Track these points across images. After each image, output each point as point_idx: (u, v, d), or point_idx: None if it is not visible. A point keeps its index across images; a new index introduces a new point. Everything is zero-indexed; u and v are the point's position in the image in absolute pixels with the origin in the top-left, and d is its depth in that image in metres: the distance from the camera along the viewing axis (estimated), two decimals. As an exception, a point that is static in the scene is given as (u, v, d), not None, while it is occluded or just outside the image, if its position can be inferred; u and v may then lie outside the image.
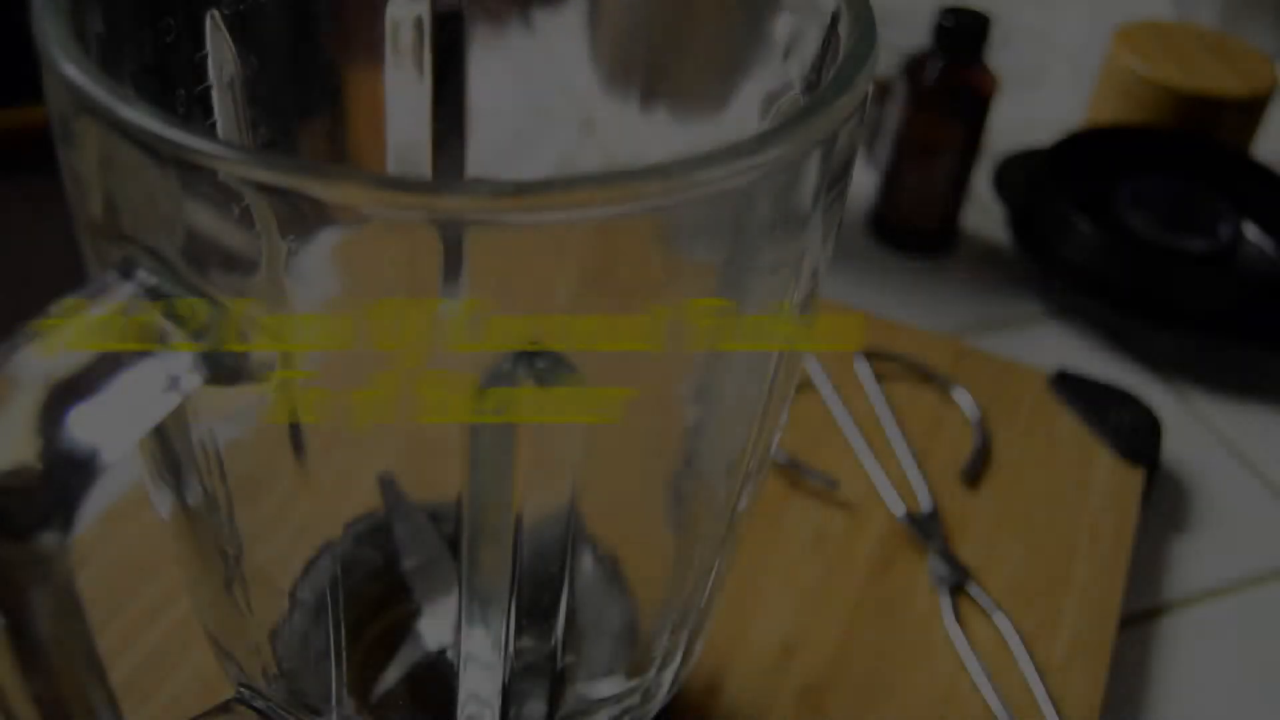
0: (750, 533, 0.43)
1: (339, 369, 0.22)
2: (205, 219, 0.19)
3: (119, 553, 0.39)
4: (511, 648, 0.27)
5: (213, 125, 0.28)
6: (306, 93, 0.31)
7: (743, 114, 0.29)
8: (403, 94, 0.33)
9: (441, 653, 0.28)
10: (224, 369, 0.20)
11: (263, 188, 0.18)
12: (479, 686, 0.28)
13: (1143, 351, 0.58)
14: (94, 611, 0.37)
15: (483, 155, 0.34)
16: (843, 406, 0.49)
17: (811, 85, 0.27)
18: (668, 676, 0.32)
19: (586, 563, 0.30)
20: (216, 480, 0.25)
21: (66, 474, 0.17)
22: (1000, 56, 0.78)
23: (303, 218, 0.19)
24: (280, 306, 0.20)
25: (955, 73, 0.58)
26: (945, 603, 0.41)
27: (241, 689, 0.30)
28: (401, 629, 0.31)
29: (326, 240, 0.19)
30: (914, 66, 0.59)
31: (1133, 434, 0.49)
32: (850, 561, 0.43)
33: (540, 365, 0.21)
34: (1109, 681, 0.41)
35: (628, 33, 0.32)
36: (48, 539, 0.17)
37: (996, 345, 0.57)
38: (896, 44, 0.69)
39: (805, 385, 0.50)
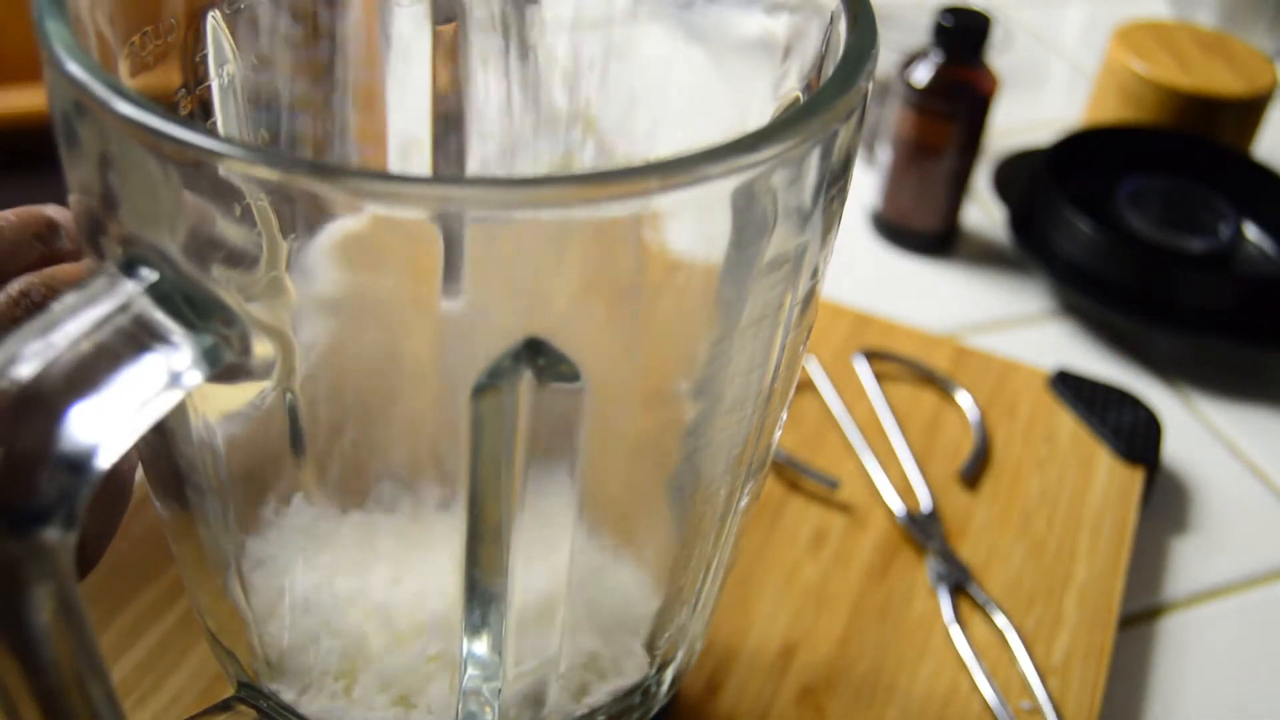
0: (750, 533, 0.43)
1: (339, 366, 0.22)
2: (207, 216, 0.19)
3: (119, 553, 0.39)
4: (512, 647, 0.27)
5: (214, 125, 0.28)
6: (306, 93, 0.31)
7: (743, 112, 0.29)
8: (403, 94, 0.33)
9: (442, 651, 0.28)
10: (225, 366, 0.20)
11: (264, 184, 0.18)
12: (479, 686, 0.28)
13: (1143, 351, 0.58)
14: (94, 611, 0.37)
15: (483, 155, 0.34)
16: (843, 406, 0.49)
17: (811, 85, 0.27)
18: (668, 676, 0.32)
19: (587, 562, 0.30)
20: (216, 479, 0.25)
21: (68, 470, 0.17)
22: (1000, 56, 0.79)
23: (304, 215, 0.19)
24: (281, 303, 0.20)
25: (955, 73, 0.58)
26: (945, 602, 0.41)
27: (241, 689, 0.30)
28: (402, 628, 0.31)
29: (327, 237, 0.19)
30: (914, 66, 0.59)
31: (1133, 434, 0.49)
32: (850, 561, 0.43)
33: (540, 362, 0.21)
34: (1109, 681, 0.41)
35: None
36: (49, 534, 0.17)
37: (996, 345, 0.57)
38: (896, 44, 0.69)
39: (805, 385, 0.50)
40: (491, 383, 0.21)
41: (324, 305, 0.21)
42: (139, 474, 0.28)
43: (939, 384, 0.51)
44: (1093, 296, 0.58)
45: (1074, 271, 0.59)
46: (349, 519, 0.29)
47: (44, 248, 0.26)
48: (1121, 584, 0.43)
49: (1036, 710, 0.38)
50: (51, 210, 0.25)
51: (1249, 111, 0.66)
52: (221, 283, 0.20)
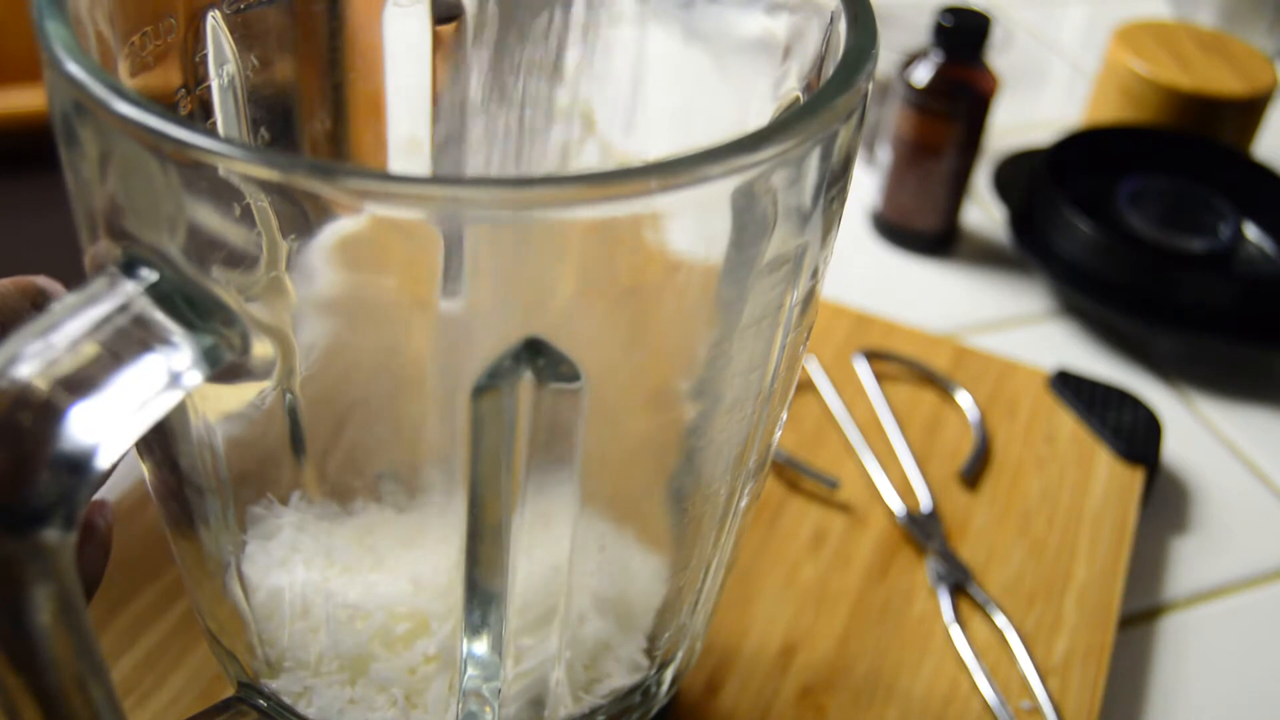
0: (750, 533, 0.43)
1: (339, 366, 0.22)
2: (207, 217, 0.19)
3: (119, 553, 0.39)
4: (512, 647, 0.27)
5: (214, 125, 0.28)
6: (306, 93, 0.31)
7: (743, 112, 0.29)
8: (403, 94, 0.33)
9: (442, 651, 0.28)
10: (225, 366, 0.20)
11: (264, 185, 0.18)
12: (479, 686, 0.28)
13: (1143, 351, 0.58)
14: (94, 611, 0.37)
15: (483, 155, 0.34)
16: (843, 406, 0.49)
17: (811, 85, 0.27)
18: (668, 676, 0.32)
19: (586, 561, 0.30)
20: (216, 479, 0.25)
21: (68, 470, 0.17)
22: (1000, 56, 0.79)
23: (304, 215, 0.19)
24: (281, 303, 0.20)
25: (955, 73, 0.58)
26: (945, 602, 0.41)
27: (241, 689, 0.30)
28: (402, 628, 0.31)
29: (327, 238, 0.19)
30: (914, 66, 0.59)
31: (1133, 434, 0.49)
32: (850, 561, 0.43)
33: (540, 362, 0.21)
34: (1109, 681, 0.41)
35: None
36: (49, 535, 0.17)
37: (996, 345, 0.57)
38: (896, 44, 0.69)
39: (805, 385, 0.50)
40: (491, 383, 0.21)
41: (324, 305, 0.21)
42: (139, 474, 0.28)
43: (939, 384, 0.51)
44: (1093, 296, 0.58)
45: (1074, 271, 0.59)
46: (349, 519, 0.29)
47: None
48: (1121, 584, 0.43)
49: (1036, 710, 0.38)
50: (42, 281, 0.26)
51: (1249, 111, 0.66)
52: (221, 283, 0.20)
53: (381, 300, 0.21)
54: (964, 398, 0.50)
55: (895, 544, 0.43)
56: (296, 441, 0.24)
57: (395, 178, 0.18)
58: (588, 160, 0.34)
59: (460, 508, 0.24)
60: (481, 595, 0.26)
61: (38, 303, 0.26)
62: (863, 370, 0.51)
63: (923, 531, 0.44)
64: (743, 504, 0.29)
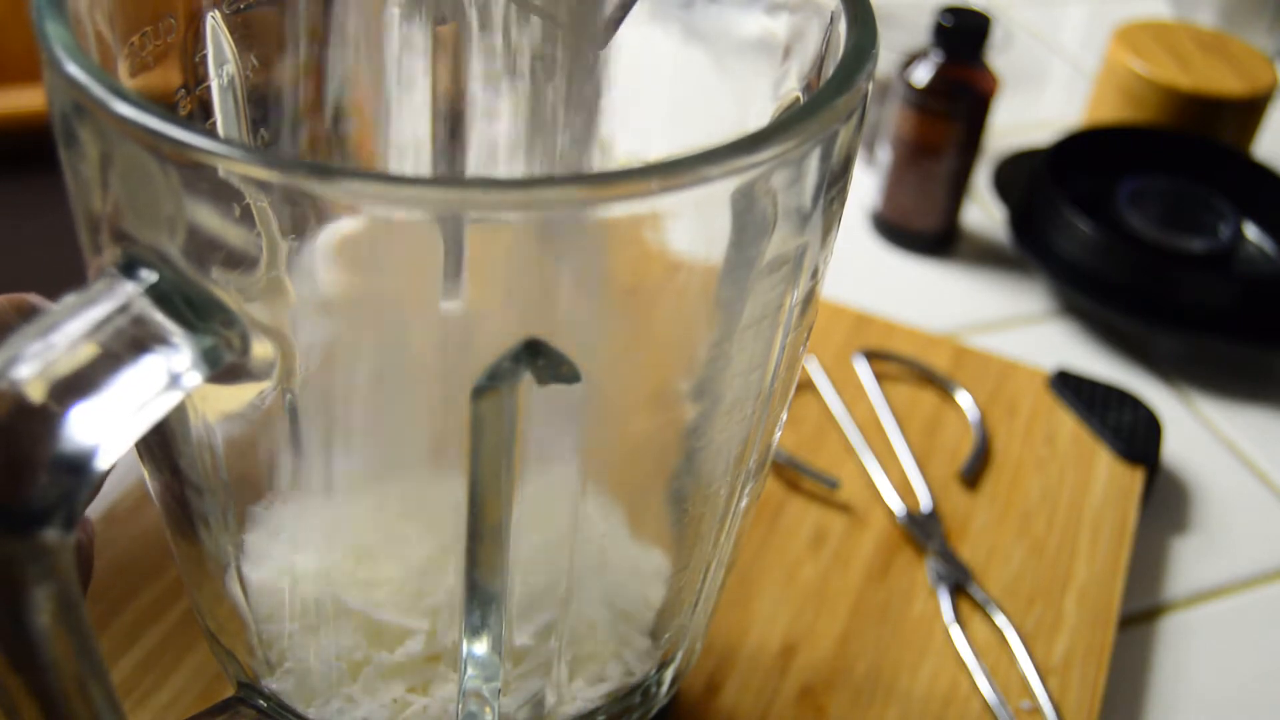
0: (750, 533, 0.43)
1: (339, 367, 0.22)
2: (206, 217, 0.19)
3: (119, 553, 0.39)
4: (511, 647, 0.27)
5: (213, 125, 0.28)
6: (306, 93, 0.31)
7: (743, 112, 0.29)
8: (403, 94, 0.33)
9: (442, 652, 0.28)
10: (225, 367, 0.20)
11: (263, 186, 0.18)
12: (479, 686, 0.28)
13: (1143, 351, 0.58)
14: (94, 611, 0.37)
15: (483, 156, 0.34)
16: (843, 406, 0.49)
17: (811, 85, 0.27)
18: (668, 676, 0.32)
19: (586, 562, 0.30)
20: (216, 479, 0.25)
21: (68, 471, 0.17)
22: (1000, 56, 0.79)
23: (303, 215, 0.19)
24: (281, 304, 0.20)
25: (955, 73, 0.58)
26: (945, 602, 0.41)
27: (241, 689, 0.30)
28: (401, 628, 0.31)
29: (327, 238, 0.19)
30: (914, 66, 0.59)
31: (1132, 434, 0.49)
32: (850, 561, 0.43)
33: (540, 363, 0.21)
34: (1109, 681, 0.41)
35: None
36: (49, 535, 0.17)
37: (996, 345, 0.57)
38: (896, 44, 0.69)
39: (805, 385, 0.50)
40: (491, 384, 0.21)
41: (324, 306, 0.21)
42: (139, 474, 0.28)
43: (939, 384, 0.51)
44: (1093, 296, 0.58)
45: (1074, 271, 0.59)
46: (348, 519, 0.29)
47: None
48: (1121, 584, 0.43)
49: (1036, 710, 0.38)
50: (34, 299, 0.27)
51: (1249, 111, 0.66)
52: (221, 283, 0.20)
53: (381, 300, 0.21)
54: (964, 398, 0.50)
55: (895, 544, 0.43)
56: (296, 442, 0.24)
57: (394, 179, 0.18)
58: (588, 160, 0.34)
59: (460, 510, 0.24)
60: (481, 595, 0.26)
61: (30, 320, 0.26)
62: (863, 370, 0.51)
63: (923, 531, 0.44)
64: (743, 504, 0.29)
